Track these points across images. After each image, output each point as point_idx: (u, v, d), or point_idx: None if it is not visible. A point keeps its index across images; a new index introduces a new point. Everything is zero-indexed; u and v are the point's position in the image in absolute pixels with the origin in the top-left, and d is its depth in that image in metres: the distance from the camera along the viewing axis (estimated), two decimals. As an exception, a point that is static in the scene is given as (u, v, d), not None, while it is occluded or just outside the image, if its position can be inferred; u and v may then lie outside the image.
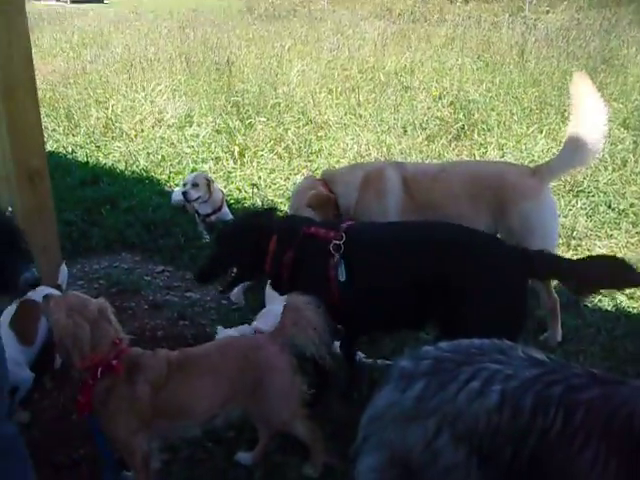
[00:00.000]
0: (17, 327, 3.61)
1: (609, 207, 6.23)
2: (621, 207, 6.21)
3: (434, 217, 3.95)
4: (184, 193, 5.82)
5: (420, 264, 3.02)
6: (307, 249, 3.27)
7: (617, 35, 13.49)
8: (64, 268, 4.39)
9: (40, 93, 9.61)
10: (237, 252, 3.45)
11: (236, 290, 4.57)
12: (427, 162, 6.94)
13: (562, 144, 4.14)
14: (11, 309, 3.71)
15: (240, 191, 6.85)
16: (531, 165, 5.46)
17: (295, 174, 7.22)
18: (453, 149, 7.97)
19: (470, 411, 1.75)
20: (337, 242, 3.14)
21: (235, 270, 3.57)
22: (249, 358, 2.86)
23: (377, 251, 3.16)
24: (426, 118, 8.81)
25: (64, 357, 2.68)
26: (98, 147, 8.46)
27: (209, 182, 5.89)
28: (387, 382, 1.97)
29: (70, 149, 8.32)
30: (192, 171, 7.18)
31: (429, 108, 9.22)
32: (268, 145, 8.06)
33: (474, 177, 4.13)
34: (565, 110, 8.91)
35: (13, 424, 2.28)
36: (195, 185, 5.80)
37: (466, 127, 8.47)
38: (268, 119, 8.86)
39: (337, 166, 6.81)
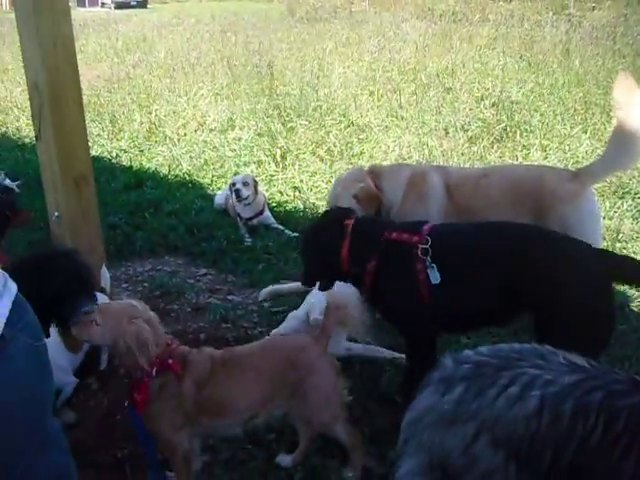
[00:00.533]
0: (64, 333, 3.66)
1: (657, 209, 6.11)
2: (669, 209, 6.08)
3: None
4: (237, 191, 5.79)
5: (507, 265, 3.03)
6: (392, 255, 3.25)
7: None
8: (105, 271, 4.46)
9: (85, 99, 9.83)
10: (322, 260, 3.45)
11: None
12: (469, 166, 6.87)
13: (606, 146, 4.07)
14: None
15: (282, 194, 6.88)
16: (575, 167, 5.39)
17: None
18: (495, 151, 7.88)
19: (509, 416, 1.74)
20: (425, 246, 3.14)
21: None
22: (291, 359, 2.88)
23: (465, 252, 3.16)
24: (468, 120, 8.75)
25: (124, 361, 2.72)
26: (141, 151, 8.58)
27: (256, 183, 5.92)
28: (427, 385, 1.97)
29: (114, 154, 8.45)
30: (234, 174, 7.22)
31: (471, 109, 9.16)
32: (310, 148, 8.07)
33: (514, 183, 4.07)
34: (610, 110, 8.73)
35: (57, 420, 2.33)
36: (245, 184, 5.82)
37: (508, 128, 8.37)
38: (310, 122, 8.86)
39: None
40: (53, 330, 3.55)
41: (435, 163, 6.97)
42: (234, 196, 5.81)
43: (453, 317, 3.26)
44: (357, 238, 3.33)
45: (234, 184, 5.83)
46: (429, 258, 3.11)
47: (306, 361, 2.89)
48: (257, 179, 6.28)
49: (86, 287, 3.01)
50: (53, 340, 3.51)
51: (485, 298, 3.10)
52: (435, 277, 3.10)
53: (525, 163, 7.20)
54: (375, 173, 4.40)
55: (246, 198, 5.77)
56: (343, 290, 3.48)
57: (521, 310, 3.11)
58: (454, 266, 3.13)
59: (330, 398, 2.91)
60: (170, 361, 2.73)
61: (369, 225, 3.45)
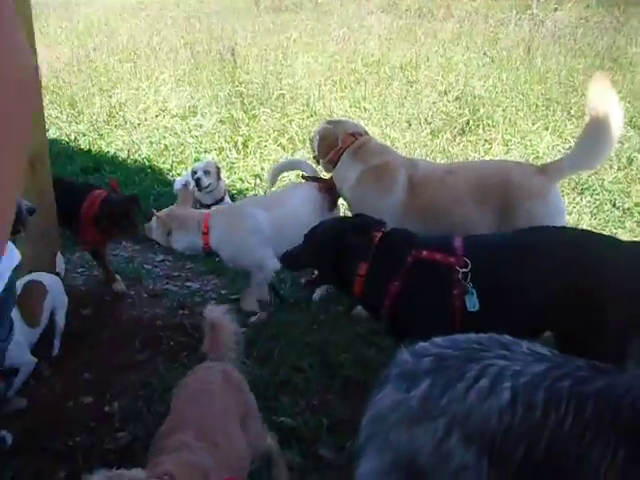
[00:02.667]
0: (22, 308, 3.53)
1: (614, 205, 6.18)
2: (626, 206, 6.15)
3: (438, 220, 3.93)
4: (197, 180, 5.64)
5: (552, 283, 2.84)
6: (423, 276, 2.98)
7: (625, 34, 13.39)
8: (60, 256, 4.36)
9: (44, 81, 9.67)
10: (319, 259, 3.27)
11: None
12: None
13: (574, 144, 4.06)
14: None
15: (243, 182, 6.82)
16: (536, 162, 5.39)
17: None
18: (458, 144, 7.91)
19: (481, 410, 1.70)
20: (465, 270, 2.88)
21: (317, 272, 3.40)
22: None
23: (506, 274, 2.93)
24: (431, 113, 8.73)
25: None
26: (101, 135, 8.43)
27: (219, 170, 5.81)
28: (387, 381, 1.92)
29: (73, 137, 8.29)
30: (195, 161, 7.14)
31: (434, 103, 9.15)
32: (272, 136, 8.01)
33: (479, 178, 4.02)
34: (571, 108, 8.90)
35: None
36: (207, 172, 5.68)
37: (471, 122, 8.40)
38: (272, 110, 8.79)
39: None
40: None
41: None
42: (194, 184, 5.69)
43: None
44: (381, 256, 3.08)
45: (195, 172, 5.70)
46: (469, 283, 2.88)
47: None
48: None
49: None
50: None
51: (522, 318, 2.91)
52: (473, 304, 2.86)
53: (487, 157, 7.23)
54: (359, 139, 4.37)
55: (207, 187, 5.65)
56: None
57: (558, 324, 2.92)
58: (492, 290, 2.91)
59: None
60: None
61: (397, 240, 3.16)
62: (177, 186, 6.34)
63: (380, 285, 3.00)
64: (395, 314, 3.03)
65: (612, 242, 3.03)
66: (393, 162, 4.24)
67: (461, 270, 2.87)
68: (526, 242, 3.03)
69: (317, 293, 4.68)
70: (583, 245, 2.89)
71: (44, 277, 3.92)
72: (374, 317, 3.26)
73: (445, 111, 8.81)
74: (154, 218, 4.36)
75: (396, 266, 2.98)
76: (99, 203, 4.47)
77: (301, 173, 4.98)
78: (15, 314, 3.41)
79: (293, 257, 3.40)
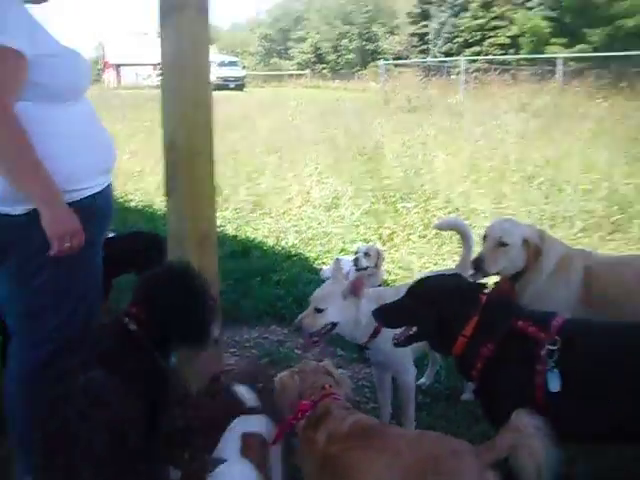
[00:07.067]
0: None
1: None
2: None
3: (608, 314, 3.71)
4: (355, 260, 5.63)
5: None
6: (512, 346, 2.89)
7: None
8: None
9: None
10: (422, 315, 3.11)
11: None
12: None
13: None
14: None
15: (390, 274, 6.78)
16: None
17: (444, 260, 7.11)
18: (610, 241, 7.69)
19: None
20: (551, 347, 2.77)
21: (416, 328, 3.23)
22: (440, 460, 2.42)
23: (601, 361, 2.77)
24: (575, 211, 8.53)
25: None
26: (247, 222, 8.67)
27: (380, 256, 5.77)
28: None
29: (219, 222, 8.53)
30: (341, 251, 7.23)
31: (579, 202, 8.94)
32: (418, 230, 8.04)
33: None
34: None
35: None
36: (367, 255, 5.66)
37: (620, 221, 8.16)
38: (415, 205, 8.84)
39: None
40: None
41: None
42: (353, 264, 5.65)
43: (571, 425, 2.80)
44: (483, 319, 2.97)
45: (357, 252, 5.70)
46: (553, 361, 2.74)
47: (458, 470, 2.40)
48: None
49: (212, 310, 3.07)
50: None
51: (620, 409, 2.72)
52: (554, 384, 2.72)
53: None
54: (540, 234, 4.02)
55: (365, 268, 5.61)
56: None
57: None
58: (583, 375, 2.76)
59: None
60: (303, 403, 2.73)
61: (499, 305, 3.07)
62: (325, 274, 6.37)
63: (476, 348, 2.93)
64: (484, 378, 2.95)
65: None
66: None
67: (547, 347, 2.76)
68: (628, 334, 2.87)
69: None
70: None
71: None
72: (465, 377, 3.16)
73: (590, 210, 8.59)
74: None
75: (492, 332, 2.92)
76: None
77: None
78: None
79: (392, 312, 3.25)
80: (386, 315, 3.27)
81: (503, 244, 3.82)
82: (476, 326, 2.96)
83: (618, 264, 4.06)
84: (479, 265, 3.87)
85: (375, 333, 3.69)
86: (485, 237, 3.98)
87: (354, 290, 3.63)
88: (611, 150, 12.07)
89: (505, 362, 2.89)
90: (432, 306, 3.08)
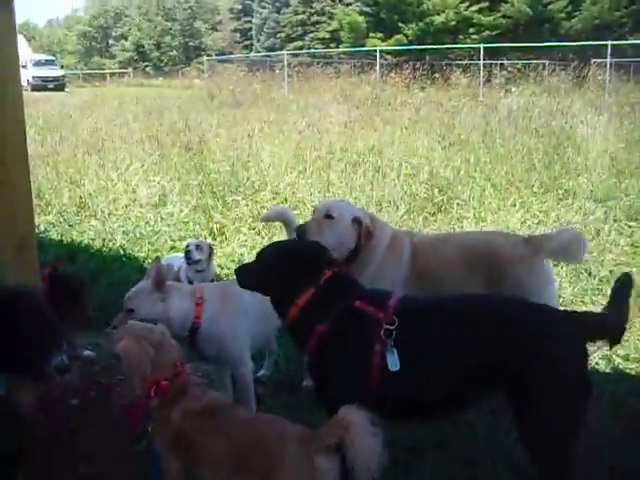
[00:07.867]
0: None
1: (589, 275, 6.30)
2: (601, 274, 6.29)
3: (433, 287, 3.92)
4: (187, 252, 5.37)
5: (482, 347, 2.78)
6: (349, 325, 2.91)
7: (572, 116, 14.05)
8: None
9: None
10: (262, 277, 3.13)
11: None
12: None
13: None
14: None
15: (222, 268, 6.76)
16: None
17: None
18: (434, 222, 8.16)
19: None
20: (389, 327, 2.81)
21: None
22: (264, 444, 2.54)
23: (434, 336, 2.86)
24: (401, 195, 8.90)
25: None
26: (71, 226, 8.35)
27: (211, 251, 5.61)
28: None
29: (42, 227, 8.18)
30: (171, 249, 7.15)
31: (402, 186, 9.33)
32: (247, 222, 8.10)
33: (468, 247, 4.08)
34: (534, 185, 9.21)
35: None
36: (199, 247, 5.43)
37: (441, 203, 8.63)
38: (243, 198, 8.88)
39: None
40: None
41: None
42: (185, 258, 5.48)
43: (406, 406, 2.94)
44: (322, 295, 2.98)
45: (187, 246, 5.49)
46: (391, 341, 2.80)
47: (274, 453, 2.51)
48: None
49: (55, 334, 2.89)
50: None
51: (448, 384, 2.85)
52: (394, 363, 2.76)
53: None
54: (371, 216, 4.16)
55: (197, 262, 5.37)
56: None
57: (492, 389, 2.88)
58: (417, 351, 2.83)
59: None
60: (163, 382, 2.71)
61: (340, 283, 3.08)
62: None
63: (310, 322, 2.94)
64: (317, 355, 2.96)
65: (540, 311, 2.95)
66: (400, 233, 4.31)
67: (385, 326, 2.82)
68: (454, 309, 2.99)
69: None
70: (506, 315, 2.87)
71: None
72: (300, 349, 3.14)
73: (414, 193, 8.99)
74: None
75: (329, 309, 2.94)
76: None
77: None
78: None
79: (245, 272, 3.28)
80: (241, 274, 3.27)
81: (329, 216, 3.90)
82: (312, 299, 2.96)
83: (437, 240, 4.35)
84: (301, 234, 3.88)
85: (194, 327, 3.67)
86: (314, 211, 4.07)
87: (156, 286, 3.60)
88: (429, 136, 12.71)
89: (342, 341, 2.90)
90: (270, 269, 3.10)
